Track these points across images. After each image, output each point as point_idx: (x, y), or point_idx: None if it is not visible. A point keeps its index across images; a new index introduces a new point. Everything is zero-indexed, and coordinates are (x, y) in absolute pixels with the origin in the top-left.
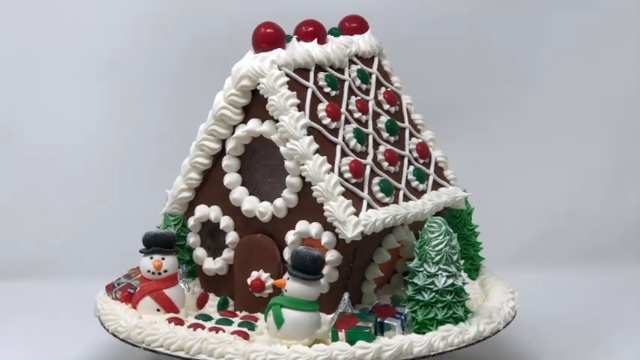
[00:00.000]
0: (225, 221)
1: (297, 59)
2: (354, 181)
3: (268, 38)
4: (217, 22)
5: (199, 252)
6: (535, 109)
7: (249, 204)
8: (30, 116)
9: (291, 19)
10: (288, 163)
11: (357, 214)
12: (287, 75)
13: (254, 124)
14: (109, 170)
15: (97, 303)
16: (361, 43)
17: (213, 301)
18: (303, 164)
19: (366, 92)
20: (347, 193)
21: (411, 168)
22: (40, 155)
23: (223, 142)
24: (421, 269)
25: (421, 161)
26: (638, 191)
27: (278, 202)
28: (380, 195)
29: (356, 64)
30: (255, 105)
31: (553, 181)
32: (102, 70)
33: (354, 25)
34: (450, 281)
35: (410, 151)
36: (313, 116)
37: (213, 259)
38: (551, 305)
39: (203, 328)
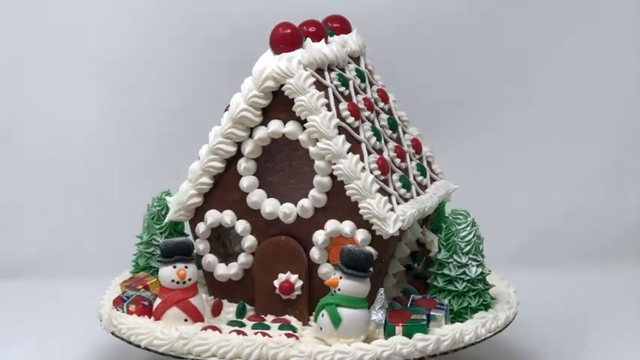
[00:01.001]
0: (242, 225)
1: (317, 59)
2: (382, 178)
3: (289, 38)
4: (217, 23)
5: (210, 258)
6: (535, 108)
7: (271, 206)
8: (30, 116)
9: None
10: (319, 163)
11: (392, 210)
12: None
13: (277, 126)
14: (109, 170)
15: (110, 319)
16: (350, 42)
17: (228, 307)
18: (334, 163)
19: (365, 90)
20: (380, 190)
21: (414, 163)
22: (40, 155)
23: (238, 145)
24: (451, 260)
25: (417, 156)
26: (638, 191)
27: (305, 202)
28: (402, 191)
29: (351, 63)
30: (276, 106)
31: (553, 181)
32: (102, 70)
33: (337, 25)
34: (479, 270)
35: (408, 147)
36: (338, 115)
37: (226, 264)
38: (551, 305)
39: (245, 334)
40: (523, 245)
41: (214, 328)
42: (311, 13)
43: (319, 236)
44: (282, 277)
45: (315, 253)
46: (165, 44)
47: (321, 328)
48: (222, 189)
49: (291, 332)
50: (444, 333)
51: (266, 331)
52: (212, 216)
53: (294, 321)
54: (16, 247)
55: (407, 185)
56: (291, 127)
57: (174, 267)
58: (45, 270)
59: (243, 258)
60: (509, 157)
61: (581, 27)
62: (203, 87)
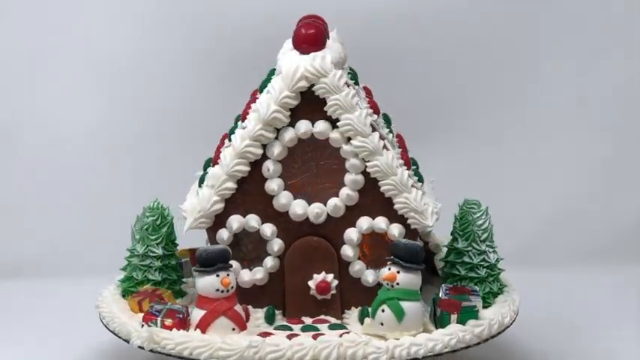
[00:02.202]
0: (270, 229)
1: (339, 58)
2: (408, 172)
3: (316, 38)
4: (217, 23)
5: (234, 265)
6: (535, 108)
7: (301, 207)
8: (30, 116)
9: (283, 18)
10: (353, 161)
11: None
12: None
13: (307, 126)
14: (109, 170)
15: (150, 336)
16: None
17: (255, 313)
18: (368, 160)
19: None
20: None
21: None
22: (40, 155)
23: (263, 147)
24: (470, 248)
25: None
26: (638, 191)
27: (336, 201)
28: (419, 184)
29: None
30: (304, 106)
31: (553, 180)
32: (102, 70)
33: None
34: (495, 256)
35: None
36: None
37: (250, 269)
38: (551, 305)
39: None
40: (523, 245)
41: (268, 335)
42: (311, 11)
43: (353, 234)
44: (317, 277)
45: (349, 251)
46: (166, 45)
47: (381, 324)
48: (245, 193)
49: (346, 331)
50: (491, 317)
51: (318, 333)
52: (237, 221)
53: (333, 320)
54: (16, 247)
55: (421, 179)
56: (321, 126)
57: (217, 275)
58: (45, 270)
59: (270, 262)
60: (509, 158)
61: (580, 26)
62: (204, 88)
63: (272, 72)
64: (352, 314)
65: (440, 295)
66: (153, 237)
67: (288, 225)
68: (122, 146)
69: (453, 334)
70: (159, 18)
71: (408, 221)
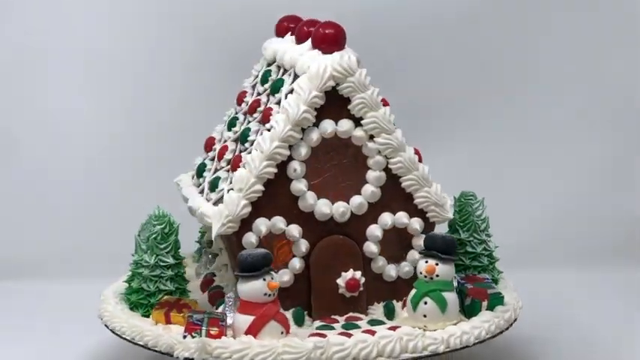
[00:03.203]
0: (297, 230)
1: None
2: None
3: (338, 37)
4: (218, 22)
5: None
6: (534, 108)
7: (327, 207)
8: (30, 116)
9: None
10: (378, 158)
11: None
12: None
13: (332, 125)
14: (110, 170)
15: (203, 346)
16: None
17: None
18: (392, 157)
19: None
20: None
21: None
22: (40, 155)
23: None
24: (471, 239)
25: None
26: (638, 191)
27: (359, 199)
28: None
29: None
30: (327, 105)
31: (552, 181)
32: (102, 70)
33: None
34: (492, 243)
35: None
36: None
37: (276, 272)
38: (551, 305)
39: (350, 335)
40: (523, 246)
41: (321, 335)
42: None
43: (377, 230)
44: (346, 275)
45: (373, 247)
46: (167, 45)
47: (424, 316)
48: (270, 195)
49: (394, 325)
50: (511, 302)
51: (369, 329)
52: (264, 224)
53: (364, 317)
54: (16, 247)
55: None
56: (346, 125)
57: (264, 280)
58: (45, 270)
59: (297, 263)
60: (509, 158)
61: (579, 27)
62: (205, 88)
63: (268, 70)
64: (377, 309)
65: (455, 284)
66: (162, 246)
67: (312, 225)
68: (122, 146)
69: (490, 320)
70: (160, 18)
71: (428, 215)
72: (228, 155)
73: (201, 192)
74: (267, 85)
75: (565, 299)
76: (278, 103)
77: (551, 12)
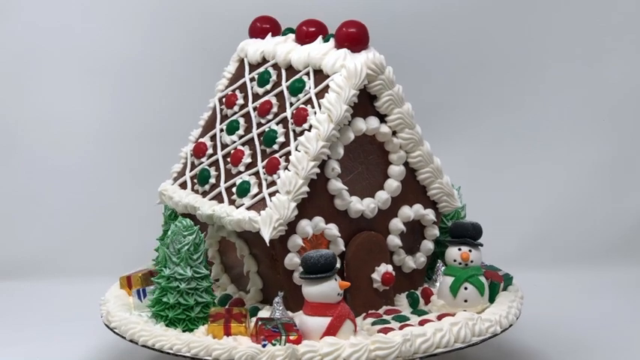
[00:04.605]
0: (336, 229)
1: None
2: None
3: (364, 36)
4: (217, 23)
5: None
6: (534, 108)
7: (360, 204)
8: (30, 116)
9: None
10: (401, 153)
11: None
12: None
13: (364, 123)
14: (110, 170)
15: (293, 353)
16: None
17: None
18: (412, 151)
19: None
20: None
21: None
22: (40, 155)
23: None
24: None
25: None
26: (638, 191)
27: (384, 194)
28: None
29: None
30: (360, 104)
31: (552, 181)
32: (101, 70)
33: (268, 26)
34: None
35: None
36: None
37: None
38: (551, 305)
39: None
40: (523, 245)
41: (389, 330)
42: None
43: (399, 224)
44: (380, 269)
45: (397, 241)
46: (167, 45)
47: (465, 301)
48: (310, 195)
49: (446, 312)
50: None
51: (425, 319)
52: (309, 225)
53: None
54: (16, 247)
55: None
56: (374, 123)
57: (336, 279)
58: (45, 270)
59: (338, 262)
60: (509, 158)
61: (579, 27)
62: (203, 87)
63: (266, 71)
64: (401, 300)
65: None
66: (195, 257)
67: (344, 223)
68: (122, 146)
69: (514, 299)
70: (160, 18)
71: (439, 205)
72: (246, 159)
73: (214, 199)
74: (268, 86)
75: (565, 299)
76: (305, 103)
77: (551, 12)
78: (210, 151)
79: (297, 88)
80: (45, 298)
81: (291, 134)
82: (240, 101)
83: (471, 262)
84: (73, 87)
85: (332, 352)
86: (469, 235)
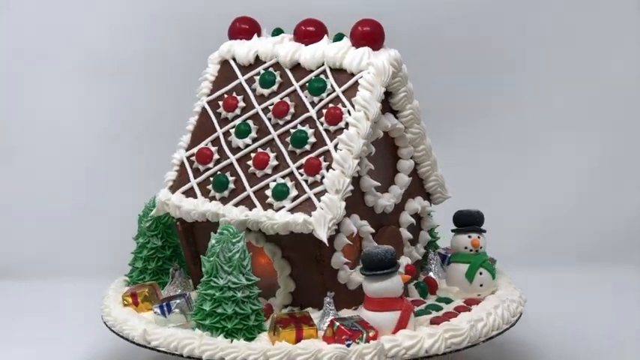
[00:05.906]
0: (369, 226)
1: None
2: None
3: (380, 34)
4: (216, 22)
5: (347, 268)
6: (534, 108)
7: (384, 199)
8: (30, 117)
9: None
10: (411, 148)
11: None
12: None
13: (386, 120)
14: (110, 170)
15: (383, 347)
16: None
17: None
18: (417, 145)
19: None
20: None
21: None
22: (39, 155)
23: None
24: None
25: None
26: (638, 191)
27: (397, 189)
28: None
29: None
30: (383, 101)
31: (553, 181)
32: (101, 71)
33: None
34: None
35: None
36: None
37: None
38: (551, 305)
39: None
40: (523, 246)
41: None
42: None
43: (409, 217)
44: (402, 262)
45: (408, 233)
46: (167, 45)
47: (481, 285)
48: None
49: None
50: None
51: (460, 305)
52: (352, 224)
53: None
54: (16, 247)
55: None
56: (392, 119)
57: (401, 273)
58: (45, 270)
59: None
60: (509, 158)
61: (578, 27)
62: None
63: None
64: (411, 291)
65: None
66: (245, 263)
67: (372, 219)
68: (122, 146)
69: (508, 280)
70: (160, 18)
71: (433, 197)
72: (272, 162)
73: (241, 203)
74: (274, 87)
75: (565, 299)
76: (333, 102)
77: (551, 12)
78: (216, 156)
79: (317, 88)
80: (45, 298)
81: (324, 134)
82: (242, 104)
83: (481, 248)
84: (73, 87)
85: (414, 345)
86: (476, 222)
